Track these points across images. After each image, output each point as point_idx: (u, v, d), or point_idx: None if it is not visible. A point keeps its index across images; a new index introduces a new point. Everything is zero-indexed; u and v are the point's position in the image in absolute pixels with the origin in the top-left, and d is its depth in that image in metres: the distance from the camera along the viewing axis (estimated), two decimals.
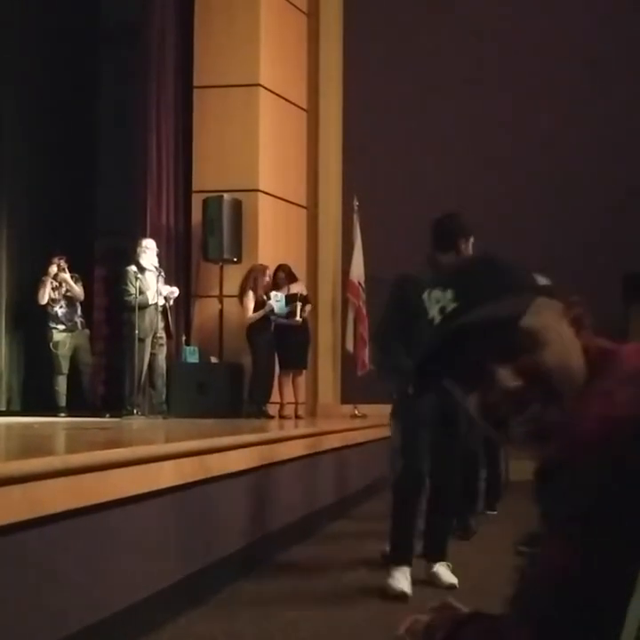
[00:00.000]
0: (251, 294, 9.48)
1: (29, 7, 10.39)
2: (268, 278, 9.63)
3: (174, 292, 9.49)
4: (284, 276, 9.85)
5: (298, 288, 9.86)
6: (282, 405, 9.78)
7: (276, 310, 9.42)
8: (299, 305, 9.67)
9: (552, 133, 10.75)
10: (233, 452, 4.92)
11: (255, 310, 9.48)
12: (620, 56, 10.74)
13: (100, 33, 11.57)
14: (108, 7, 11.49)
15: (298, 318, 9.65)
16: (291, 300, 9.61)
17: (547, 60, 10.85)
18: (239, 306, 9.70)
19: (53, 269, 9.65)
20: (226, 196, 9.98)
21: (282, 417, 9.62)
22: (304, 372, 10.17)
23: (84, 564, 3.43)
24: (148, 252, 9.41)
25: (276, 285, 9.70)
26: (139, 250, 9.41)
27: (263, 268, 9.68)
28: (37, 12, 10.46)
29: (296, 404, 9.96)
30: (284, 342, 9.65)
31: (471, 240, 4.79)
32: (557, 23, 10.90)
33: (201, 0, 10.53)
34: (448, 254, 4.72)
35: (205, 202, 10.05)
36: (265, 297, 9.46)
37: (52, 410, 9.34)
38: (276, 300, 9.43)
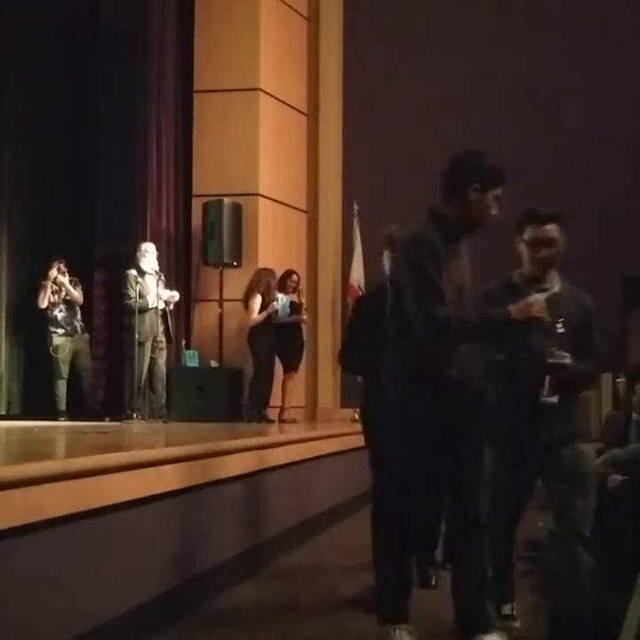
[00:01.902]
0: (258, 297, 9.47)
1: (29, 13, 10.37)
2: (275, 281, 9.64)
3: (175, 296, 9.49)
4: (297, 279, 9.88)
5: (297, 298, 9.88)
6: (282, 409, 9.78)
7: (279, 314, 9.41)
8: (305, 313, 9.81)
9: (567, 152, 10.73)
10: (234, 456, 4.92)
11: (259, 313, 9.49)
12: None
13: (101, 38, 11.56)
14: (108, 12, 11.47)
15: (304, 317, 9.77)
16: (295, 306, 9.66)
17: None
18: (240, 310, 9.70)
19: (53, 273, 9.63)
20: (226, 200, 9.99)
21: (281, 421, 9.62)
22: (294, 374, 10.11)
23: (84, 568, 3.42)
24: (148, 255, 9.41)
25: (283, 289, 9.70)
26: (138, 254, 9.40)
27: (273, 272, 9.69)
28: (37, 17, 10.45)
29: (283, 407, 9.89)
30: (285, 345, 9.65)
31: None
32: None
33: (201, 5, 10.54)
34: (453, 202, 3.63)
35: (205, 206, 10.06)
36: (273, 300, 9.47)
37: (52, 414, 9.32)
38: (282, 303, 9.43)
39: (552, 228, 3.88)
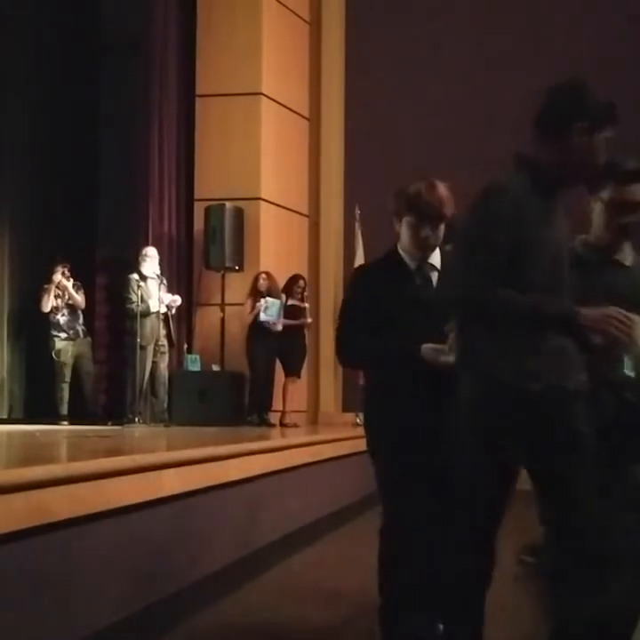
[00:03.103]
0: (248, 301, 9.53)
1: (31, 17, 10.40)
2: (262, 280, 9.63)
3: (176, 300, 9.49)
4: (304, 284, 9.92)
5: (297, 303, 9.86)
6: (283, 413, 9.78)
7: (264, 316, 9.37)
8: (308, 317, 9.85)
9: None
10: (234, 461, 4.91)
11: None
12: None
13: (103, 42, 11.58)
14: (110, 16, 11.50)
15: (308, 320, 9.81)
16: (296, 310, 9.66)
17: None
18: (242, 314, 9.74)
19: (57, 277, 9.66)
20: (228, 204, 10.00)
21: (282, 425, 9.61)
22: (297, 380, 10.09)
23: (85, 572, 3.42)
24: (149, 260, 9.42)
25: (290, 294, 9.73)
26: (140, 258, 9.41)
27: (257, 276, 9.71)
28: (39, 22, 10.47)
29: (283, 411, 9.88)
30: (286, 349, 9.65)
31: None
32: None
33: (203, 9, 10.56)
34: (550, 146, 2.82)
35: (207, 210, 10.07)
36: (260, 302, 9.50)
37: (54, 418, 9.33)
38: (265, 306, 9.41)
39: None
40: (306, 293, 10.02)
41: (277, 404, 9.77)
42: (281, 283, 9.81)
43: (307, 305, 9.96)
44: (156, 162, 10.37)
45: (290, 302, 9.70)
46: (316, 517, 6.61)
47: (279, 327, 9.46)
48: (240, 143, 10.34)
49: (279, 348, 9.59)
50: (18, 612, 2.99)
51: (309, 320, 9.93)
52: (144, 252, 9.47)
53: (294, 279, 9.89)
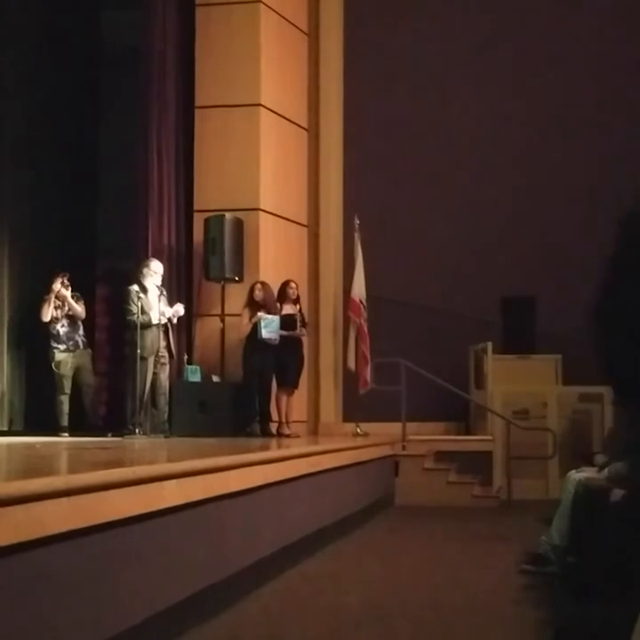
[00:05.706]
0: (246, 311, 9.55)
1: (30, 31, 10.43)
2: (257, 291, 9.64)
3: (179, 310, 9.47)
4: (295, 285, 9.89)
5: (292, 309, 9.84)
6: (280, 423, 9.79)
7: (264, 335, 9.37)
8: (301, 329, 9.80)
9: (564, 164, 10.74)
10: (235, 472, 4.91)
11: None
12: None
13: (102, 55, 11.62)
14: (109, 29, 11.55)
15: (297, 332, 9.73)
16: (288, 320, 9.65)
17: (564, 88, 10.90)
18: (240, 324, 9.76)
19: (57, 286, 9.65)
20: (227, 215, 10.02)
21: (279, 435, 9.61)
22: (295, 391, 10.07)
23: (86, 584, 3.42)
24: (156, 276, 9.36)
25: (285, 299, 9.74)
26: (145, 270, 9.36)
27: (251, 286, 9.73)
28: (38, 35, 10.50)
29: (280, 422, 9.88)
30: (281, 360, 9.65)
31: None
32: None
33: (201, 21, 10.59)
34: None
35: (207, 221, 10.08)
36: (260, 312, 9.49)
37: (55, 430, 9.33)
38: (265, 323, 9.40)
39: None
40: (298, 294, 9.97)
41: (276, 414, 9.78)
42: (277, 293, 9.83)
43: (303, 314, 9.92)
44: (156, 173, 10.39)
45: (284, 312, 9.69)
46: (317, 528, 6.60)
47: (277, 340, 9.48)
48: (239, 154, 10.36)
49: (277, 359, 9.59)
50: (19, 624, 2.99)
51: (298, 332, 9.84)
52: (150, 265, 9.40)
53: (284, 285, 9.89)
